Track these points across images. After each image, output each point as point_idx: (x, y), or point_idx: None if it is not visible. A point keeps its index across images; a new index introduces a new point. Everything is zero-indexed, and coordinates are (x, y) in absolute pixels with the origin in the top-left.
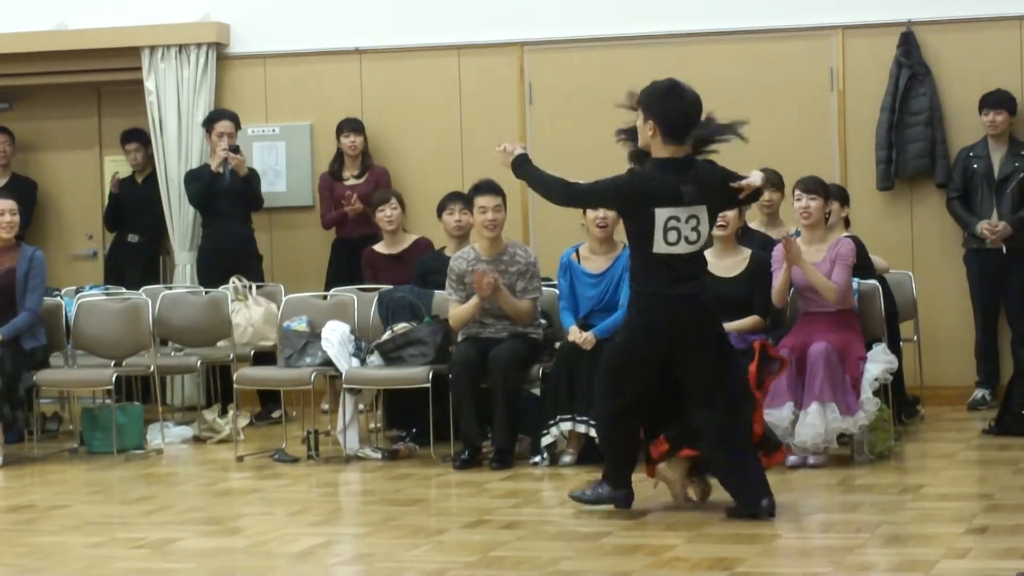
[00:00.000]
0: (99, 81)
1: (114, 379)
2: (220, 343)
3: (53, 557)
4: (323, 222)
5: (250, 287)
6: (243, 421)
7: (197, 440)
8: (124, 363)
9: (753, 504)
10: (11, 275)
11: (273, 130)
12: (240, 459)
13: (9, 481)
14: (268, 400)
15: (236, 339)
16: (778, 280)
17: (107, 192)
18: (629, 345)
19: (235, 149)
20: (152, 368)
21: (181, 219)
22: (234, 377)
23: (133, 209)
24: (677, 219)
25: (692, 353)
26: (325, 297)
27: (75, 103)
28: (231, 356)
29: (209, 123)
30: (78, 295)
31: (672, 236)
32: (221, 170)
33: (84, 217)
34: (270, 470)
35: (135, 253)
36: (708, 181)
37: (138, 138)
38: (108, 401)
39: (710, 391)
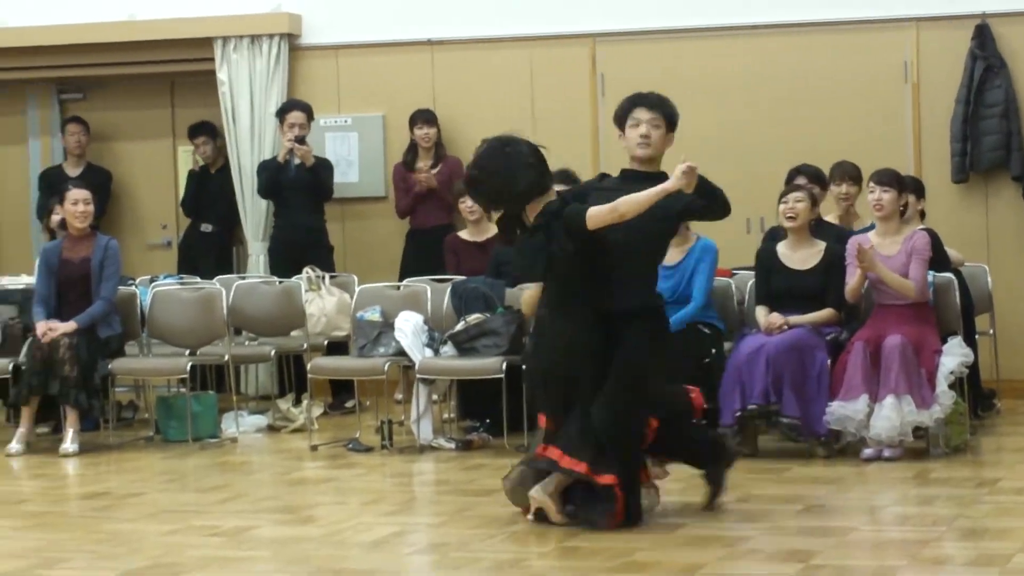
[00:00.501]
0: (172, 72)
1: (189, 368)
2: (294, 333)
3: (128, 544)
4: (398, 210)
5: (323, 277)
6: (317, 410)
7: (271, 429)
8: (199, 352)
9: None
10: (86, 264)
11: (345, 121)
12: (314, 448)
13: (85, 468)
14: (341, 390)
15: (309, 329)
16: (852, 281)
17: (182, 181)
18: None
19: (301, 140)
20: (226, 357)
21: (254, 209)
22: (308, 367)
23: (207, 199)
24: None
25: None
26: (398, 287)
27: (148, 94)
28: (305, 346)
29: (282, 113)
30: (152, 284)
31: None
32: (287, 161)
33: (158, 207)
34: (344, 459)
35: (209, 243)
36: None
37: (206, 131)
38: (183, 390)
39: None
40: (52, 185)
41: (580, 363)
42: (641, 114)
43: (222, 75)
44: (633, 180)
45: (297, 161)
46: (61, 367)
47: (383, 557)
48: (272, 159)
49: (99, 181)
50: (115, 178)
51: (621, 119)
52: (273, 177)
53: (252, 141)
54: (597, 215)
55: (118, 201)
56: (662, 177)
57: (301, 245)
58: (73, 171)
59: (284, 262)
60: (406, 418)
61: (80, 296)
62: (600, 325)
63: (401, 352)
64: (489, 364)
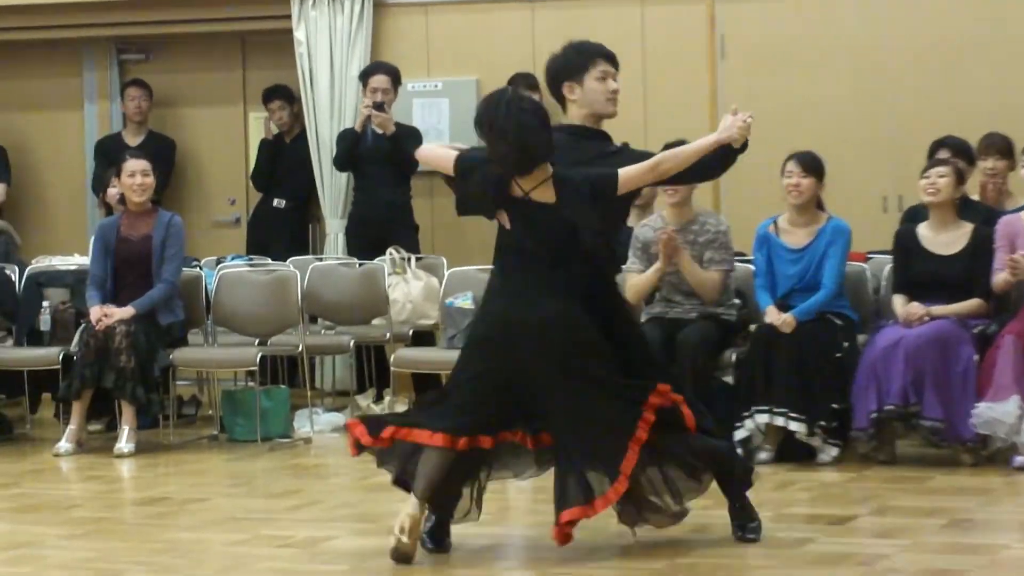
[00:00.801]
0: (244, 30)
1: (259, 359)
2: (375, 321)
3: (191, 555)
4: None
5: (408, 259)
6: (400, 407)
7: None
8: (269, 342)
9: None
10: (147, 243)
11: (435, 85)
12: None
13: (142, 471)
14: (426, 384)
15: (393, 317)
16: (999, 277)
17: (253, 151)
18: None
19: (379, 106)
20: (300, 348)
21: (333, 183)
22: (391, 359)
23: (280, 171)
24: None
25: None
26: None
27: (217, 54)
28: (387, 335)
29: (364, 77)
30: (219, 266)
31: None
32: (365, 129)
33: (226, 180)
34: None
35: (281, 220)
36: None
37: (282, 95)
38: (251, 384)
39: None
40: (109, 155)
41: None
42: (609, 67)
43: (299, 34)
44: (583, 137)
45: (380, 130)
46: (117, 357)
47: (476, 572)
48: (352, 128)
49: (161, 151)
50: (179, 147)
51: (579, 69)
52: (350, 147)
53: (331, 107)
54: (634, 175)
55: (182, 173)
56: (607, 137)
57: (381, 223)
58: (133, 139)
59: (363, 242)
60: None
61: (139, 278)
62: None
63: None
64: None
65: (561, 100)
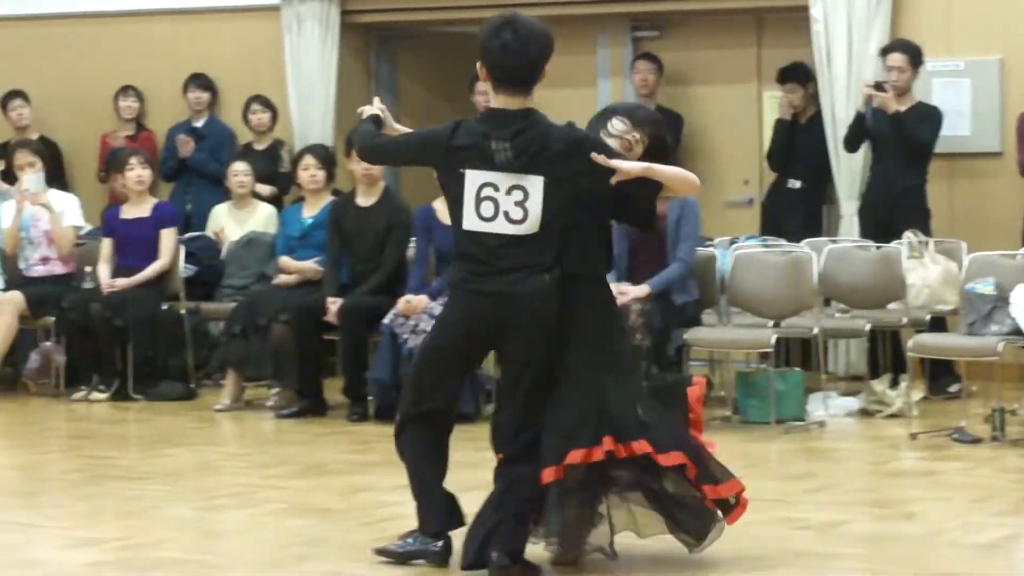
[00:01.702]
0: (759, 7)
1: (774, 341)
2: (891, 306)
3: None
4: (1021, 167)
5: (926, 243)
6: (916, 394)
7: (863, 413)
8: (783, 324)
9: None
10: (661, 222)
11: (956, 65)
12: (913, 437)
13: None
14: (942, 372)
15: (910, 301)
16: None
17: (767, 131)
18: (438, 341)
19: (879, 86)
20: (815, 331)
21: (848, 164)
22: (907, 344)
23: (796, 152)
24: (494, 187)
25: (507, 366)
26: (1014, 256)
27: (732, 32)
28: (903, 320)
29: (884, 54)
30: (733, 246)
31: (487, 209)
32: (868, 108)
33: (739, 160)
34: (947, 451)
35: (796, 201)
36: (547, 147)
37: (795, 76)
38: (765, 366)
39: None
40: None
41: None
42: None
43: (816, 11)
44: None
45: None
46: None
47: (998, 563)
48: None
49: (668, 126)
50: (689, 126)
51: None
52: (855, 128)
53: (848, 87)
54: None
55: (691, 152)
56: None
57: (890, 206)
58: None
59: (871, 225)
60: (1020, 407)
61: (652, 256)
62: None
63: (1017, 331)
64: None
65: None
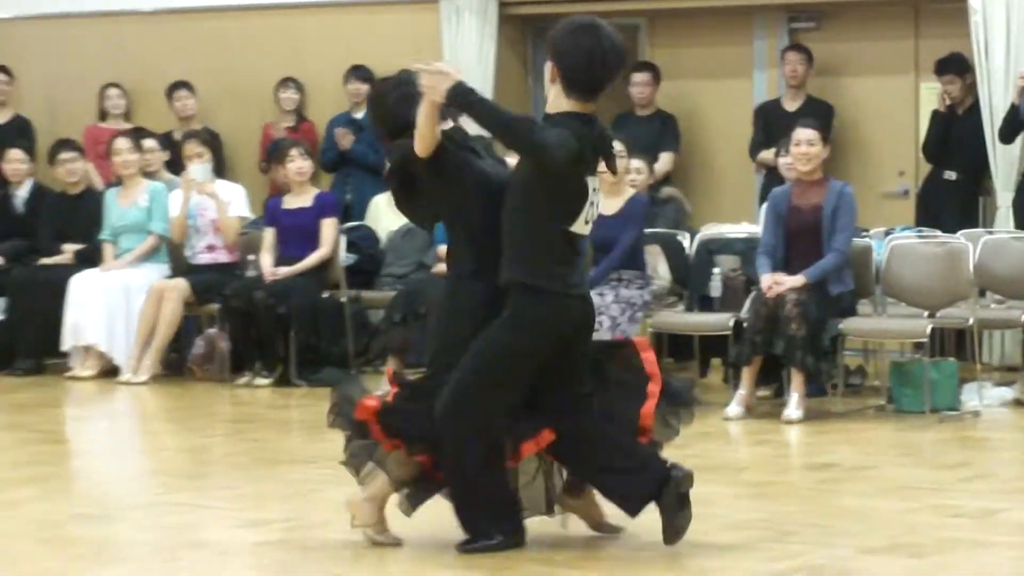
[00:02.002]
0: None
1: (929, 331)
2: None
3: (863, 521)
4: None
5: None
6: None
7: (1018, 403)
8: (938, 314)
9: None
10: (817, 212)
11: None
12: None
13: (811, 437)
14: None
15: None
16: None
17: (923, 122)
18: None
19: None
20: (971, 321)
21: (1005, 156)
22: None
23: (952, 143)
24: (596, 191)
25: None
26: None
27: (889, 23)
28: None
29: None
30: (888, 237)
31: (592, 213)
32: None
33: (894, 150)
34: None
35: (952, 192)
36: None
37: (952, 68)
38: (920, 355)
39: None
40: (768, 120)
41: None
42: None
43: (974, 2)
44: None
45: None
46: (787, 325)
47: None
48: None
49: (820, 115)
50: (841, 116)
51: None
52: (1009, 119)
53: (1006, 78)
54: None
55: (844, 142)
56: None
57: None
58: (791, 104)
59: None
60: None
61: (809, 247)
62: None
63: None
64: None
65: None
